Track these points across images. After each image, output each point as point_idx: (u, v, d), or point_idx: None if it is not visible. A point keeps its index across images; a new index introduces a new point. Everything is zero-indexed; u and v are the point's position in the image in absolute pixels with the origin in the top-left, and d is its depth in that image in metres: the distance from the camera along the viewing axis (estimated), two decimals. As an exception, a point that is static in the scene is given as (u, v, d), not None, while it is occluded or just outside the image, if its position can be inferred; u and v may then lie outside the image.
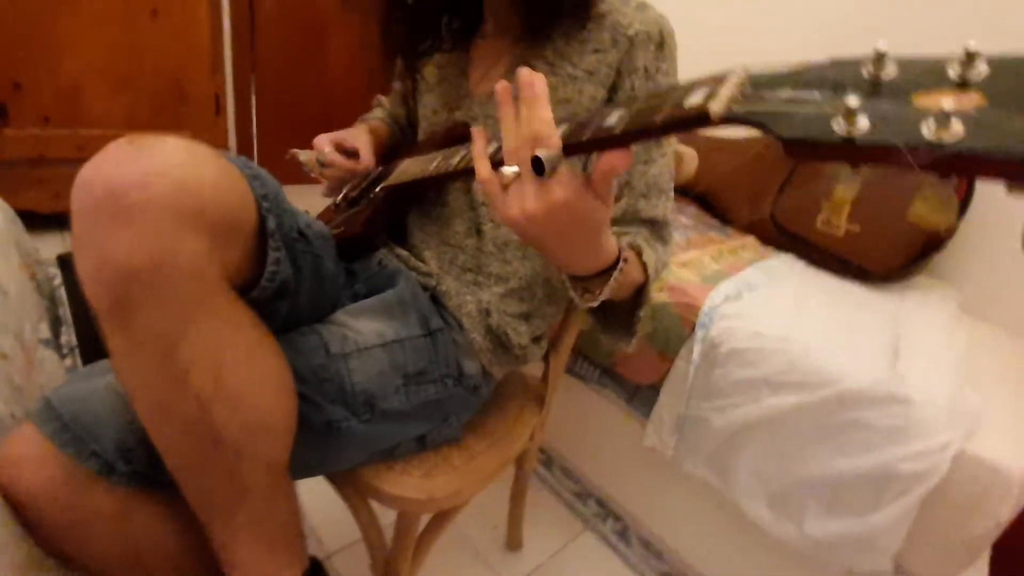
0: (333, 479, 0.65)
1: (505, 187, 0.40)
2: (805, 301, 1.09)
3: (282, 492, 0.52)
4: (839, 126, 0.25)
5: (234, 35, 2.38)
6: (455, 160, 0.55)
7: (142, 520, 0.50)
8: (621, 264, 0.48)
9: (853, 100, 0.25)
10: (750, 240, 1.47)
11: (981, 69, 0.24)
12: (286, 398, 0.48)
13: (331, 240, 0.65)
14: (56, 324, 0.98)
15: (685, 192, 1.72)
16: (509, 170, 0.40)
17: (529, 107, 0.38)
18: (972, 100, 0.23)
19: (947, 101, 0.24)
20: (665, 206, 0.68)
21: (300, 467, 0.54)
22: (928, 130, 0.23)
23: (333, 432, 0.55)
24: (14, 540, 0.44)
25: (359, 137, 0.78)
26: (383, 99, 0.94)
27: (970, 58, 0.24)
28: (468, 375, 0.65)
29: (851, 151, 0.25)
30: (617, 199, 0.65)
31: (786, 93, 0.28)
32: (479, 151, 0.43)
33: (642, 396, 1.08)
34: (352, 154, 0.77)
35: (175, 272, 0.38)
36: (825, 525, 0.81)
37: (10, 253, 0.80)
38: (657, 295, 1.04)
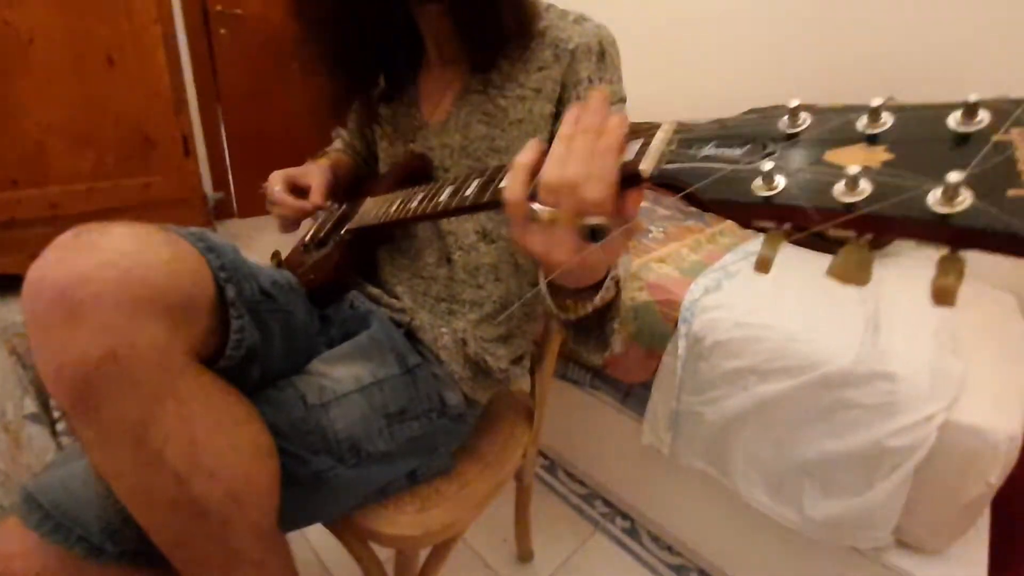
0: (328, 524, 0.65)
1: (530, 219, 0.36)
2: (785, 282, 1.09)
3: (274, 551, 0.52)
4: (758, 187, 0.26)
5: (196, 71, 2.37)
6: (414, 204, 0.55)
7: (137, 595, 0.50)
8: (608, 282, 0.47)
9: (768, 163, 0.26)
10: (729, 224, 1.48)
11: (886, 121, 0.25)
12: (265, 461, 0.49)
13: (301, 289, 0.65)
14: (43, 394, 0.98)
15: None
16: (544, 210, 0.35)
17: (600, 156, 0.33)
18: (879, 156, 0.24)
19: (857, 158, 0.24)
20: None
21: (292, 520, 0.55)
22: (839, 191, 0.24)
23: (321, 482, 0.56)
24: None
25: (313, 175, 0.76)
26: (342, 131, 0.94)
27: (875, 113, 0.25)
28: (451, 406, 0.66)
29: (770, 211, 0.26)
30: None
31: (709, 150, 0.29)
32: (519, 165, 0.37)
33: (635, 395, 1.09)
34: (305, 192, 0.76)
35: (135, 361, 0.38)
36: (823, 506, 0.82)
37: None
38: (638, 294, 1.04)
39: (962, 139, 0.23)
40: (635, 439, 1.08)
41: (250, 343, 0.49)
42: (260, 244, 2.42)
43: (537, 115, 0.65)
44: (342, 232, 0.70)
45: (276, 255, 0.88)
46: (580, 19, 0.66)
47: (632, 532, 1.15)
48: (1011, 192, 0.21)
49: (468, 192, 0.46)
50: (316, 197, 0.74)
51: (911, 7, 1.33)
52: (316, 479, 0.55)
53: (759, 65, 1.65)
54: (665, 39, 1.84)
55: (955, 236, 0.21)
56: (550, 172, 0.34)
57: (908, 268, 1.21)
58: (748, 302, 0.99)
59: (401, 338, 0.65)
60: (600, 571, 1.06)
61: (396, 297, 0.71)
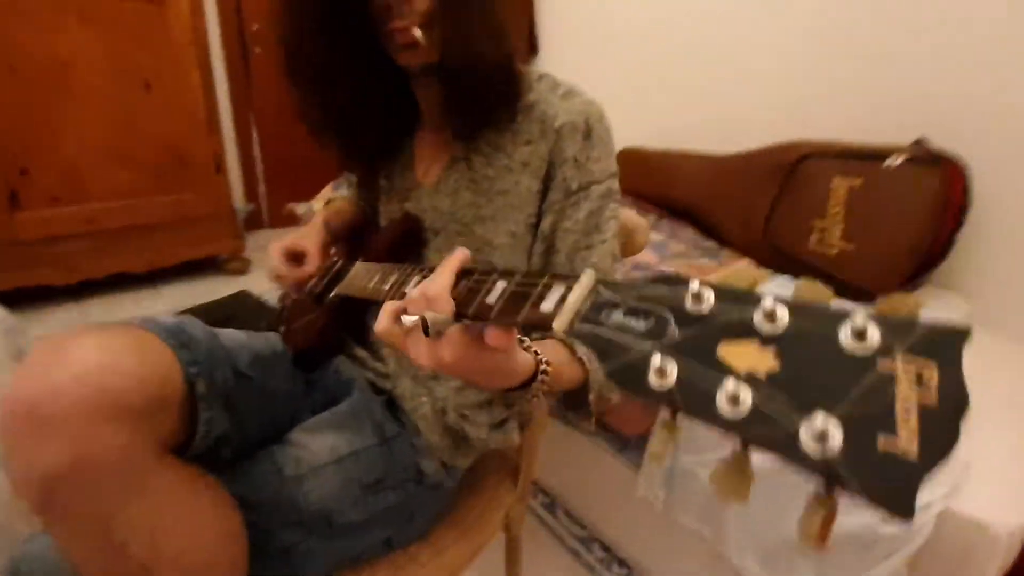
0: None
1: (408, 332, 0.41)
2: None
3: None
4: (652, 380, 0.25)
5: (231, 87, 2.46)
6: (386, 287, 0.56)
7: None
8: (537, 382, 0.47)
9: (659, 358, 0.25)
10: (744, 264, 1.44)
11: (781, 320, 0.24)
12: (228, 547, 0.51)
13: (286, 357, 0.67)
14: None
15: (679, 213, 1.69)
16: (408, 319, 0.40)
17: (437, 270, 0.40)
18: (767, 362, 0.23)
19: (746, 359, 0.24)
20: None
21: (262, 587, 0.56)
22: (721, 403, 0.23)
23: (291, 554, 0.58)
24: None
25: (310, 239, 0.78)
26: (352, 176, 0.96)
27: (770, 312, 0.24)
28: (428, 474, 0.67)
29: (659, 403, 0.25)
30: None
31: (617, 317, 0.29)
32: (387, 307, 0.43)
33: (633, 446, 1.08)
34: (303, 257, 0.78)
35: (97, 468, 0.40)
36: (815, 586, 0.79)
37: (4, 368, 0.85)
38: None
39: (850, 360, 0.22)
40: (633, 487, 1.07)
41: (219, 432, 0.51)
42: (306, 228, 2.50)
43: (524, 190, 0.65)
44: (330, 296, 0.71)
45: (285, 298, 0.90)
46: (569, 94, 0.65)
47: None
48: (881, 441, 0.20)
49: None
50: (311, 265, 0.75)
51: (942, 46, 1.28)
52: (284, 553, 0.57)
53: (783, 98, 1.61)
54: (691, 69, 1.82)
55: (826, 479, 0.21)
56: (408, 296, 0.40)
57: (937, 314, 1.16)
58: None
59: (380, 408, 0.66)
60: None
61: (381, 360, 0.72)
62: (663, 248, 1.50)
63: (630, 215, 0.79)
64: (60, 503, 0.40)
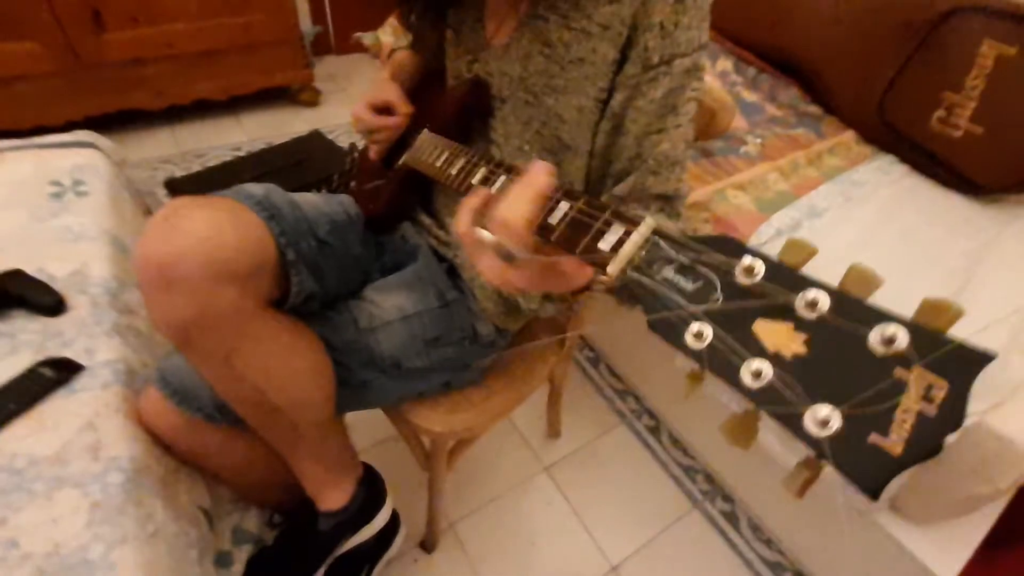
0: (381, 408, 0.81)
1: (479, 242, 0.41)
2: (879, 229, 1.00)
3: (331, 433, 0.68)
4: (689, 337, 0.27)
5: None
6: (453, 172, 0.57)
7: (242, 446, 0.69)
8: (593, 287, 0.50)
9: (703, 326, 0.27)
10: (847, 137, 1.30)
11: (821, 309, 0.24)
12: (320, 380, 0.62)
13: (360, 220, 0.72)
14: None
15: (786, 67, 1.48)
16: (484, 234, 0.39)
17: (515, 189, 0.38)
18: (795, 346, 0.24)
19: (778, 339, 0.25)
20: (679, 178, 0.64)
21: (345, 408, 0.70)
22: (745, 373, 0.25)
23: (367, 387, 0.69)
24: (156, 458, 0.65)
25: (388, 90, 0.77)
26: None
27: (812, 303, 0.24)
28: (482, 335, 0.74)
29: (690, 358, 0.27)
30: (626, 174, 0.63)
31: (668, 273, 0.30)
32: (466, 206, 0.42)
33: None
34: (387, 110, 0.78)
35: (215, 316, 0.49)
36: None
37: (122, 203, 0.96)
38: (702, 226, 1.01)
39: (871, 361, 0.23)
40: (671, 356, 1.14)
41: (308, 291, 0.58)
42: (356, 88, 2.45)
43: (600, 58, 0.60)
44: (397, 164, 0.73)
45: (352, 148, 0.93)
46: None
47: (655, 431, 1.28)
48: (872, 438, 0.22)
49: (494, 189, 0.48)
50: (403, 108, 0.74)
51: None
52: (363, 385, 0.68)
53: None
54: None
55: (819, 454, 0.23)
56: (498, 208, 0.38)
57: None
58: (822, 253, 0.92)
59: (442, 274, 0.72)
60: (617, 458, 1.22)
61: (444, 227, 0.76)
62: (758, 111, 1.36)
63: (715, 90, 0.71)
64: (191, 341, 0.51)
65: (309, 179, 1.37)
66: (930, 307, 0.23)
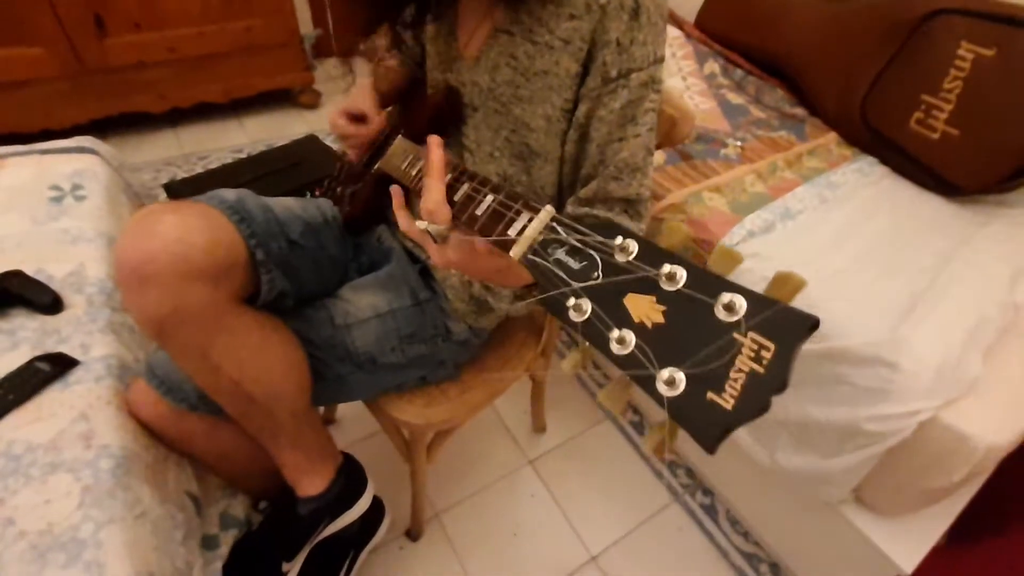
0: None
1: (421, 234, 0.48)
2: (852, 231, 1.02)
3: (308, 423, 0.72)
4: (571, 310, 0.31)
5: None
6: (413, 173, 0.61)
7: (225, 434, 0.73)
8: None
9: (575, 299, 0.30)
10: (829, 139, 1.32)
11: (679, 281, 0.28)
12: (294, 373, 0.65)
13: (337, 223, 0.75)
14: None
15: (774, 70, 1.50)
16: (421, 225, 0.47)
17: (425, 180, 0.44)
18: (655, 315, 0.28)
19: (642, 309, 0.29)
20: (640, 183, 0.68)
21: (323, 400, 0.74)
22: (613, 341, 0.28)
23: (344, 381, 0.73)
24: (144, 447, 0.69)
25: (363, 98, 0.81)
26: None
27: (671, 276, 0.28)
28: (455, 333, 0.78)
29: (574, 330, 0.31)
30: (591, 179, 0.67)
31: (560, 254, 0.33)
32: (395, 205, 0.50)
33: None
34: (362, 118, 0.82)
35: (190, 312, 0.53)
36: (792, 458, 0.89)
37: (120, 206, 1.01)
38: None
39: (716, 327, 0.26)
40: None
41: (279, 289, 0.62)
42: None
43: (563, 71, 0.63)
44: (373, 169, 0.76)
45: (343, 153, 0.97)
46: None
47: (638, 425, 1.31)
48: (709, 394, 0.25)
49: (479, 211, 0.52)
50: (375, 118, 0.79)
51: None
52: (340, 379, 0.72)
53: None
54: None
55: (669, 412, 0.26)
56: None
57: (1011, 229, 1.06)
58: (789, 253, 0.95)
59: (415, 274, 0.75)
60: (601, 453, 1.25)
61: (419, 231, 0.80)
62: (743, 113, 1.38)
63: (677, 100, 0.74)
64: (168, 335, 0.55)
65: (304, 181, 1.42)
66: (778, 279, 0.26)
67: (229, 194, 0.61)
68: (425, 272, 0.77)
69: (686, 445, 1.24)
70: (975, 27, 1.12)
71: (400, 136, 0.75)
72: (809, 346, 0.85)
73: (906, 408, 0.75)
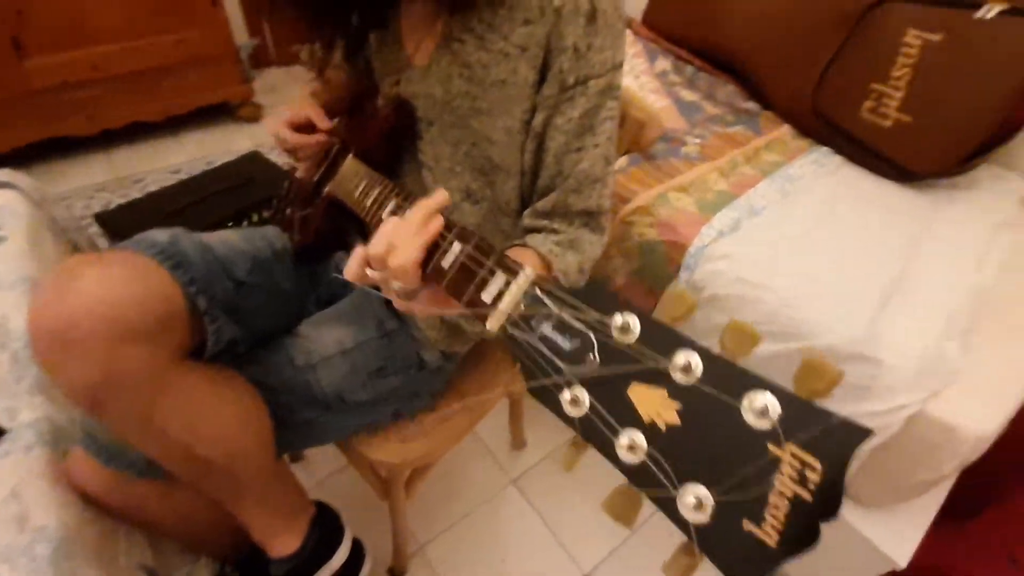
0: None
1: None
2: (818, 222, 1.02)
3: (274, 478, 0.65)
4: (567, 404, 0.27)
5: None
6: (368, 202, 0.56)
7: (181, 497, 0.66)
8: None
9: (576, 390, 0.26)
10: (784, 132, 1.32)
11: (695, 374, 0.24)
12: (253, 427, 0.59)
13: (288, 253, 0.69)
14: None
15: (724, 65, 1.50)
16: (372, 273, 0.42)
17: (407, 240, 0.39)
18: (669, 415, 0.24)
19: (652, 406, 0.24)
20: (600, 195, 0.64)
21: (288, 448, 0.67)
22: (620, 447, 0.24)
23: (311, 426, 0.67)
24: (88, 522, 0.61)
25: (306, 107, 0.74)
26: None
27: (686, 367, 0.24)
28: (428, 362, 0.73)
29: (570, 426, 0.27)
30: (548, 190, 0.63)
31: (546, 329, 0.29)
32: (357, 255, 0.43)
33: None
34: (308, 127, 0.75)
35: (125, 377, 0.46)
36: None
37: (44, 245, 0.91)
38: (647, 230, 1.01)
39: (743, 434, 0.22)
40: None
41: (229, 336, 0.56)
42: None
43: (521, 80, 0.59)
44: (323, 192, 0.70)
45: (292, 170, 0.90)
46: None
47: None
48: (746, 523, 0.21)
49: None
50: (323, 124, 0.73)
51: None
52: (306, 424, 0.66)
53: None
54: None
55: (694, 540, 0.23)
56: (372, 245, 0.41)
57: (979, 206, 1.09)
58: (760, 252, 0.94)
59: (380, 303, 0.70)
60: (583, 463, 1.22)
61: (382, 255, 0.74)
62: (696, 110, 1.38)
63: (641, 102, 0.71)
64: (103, 406, 0.47)
65: (250, 201, 1.33)
66: (810, 368, 0.22)
67: (160, 236, 0.54)
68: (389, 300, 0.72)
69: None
70: (921, 13, 1.14)
71: (352, 156, 0.70)
72: (791, 344, 0.84)
73: (891, 404, 0.75)
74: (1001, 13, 1.06)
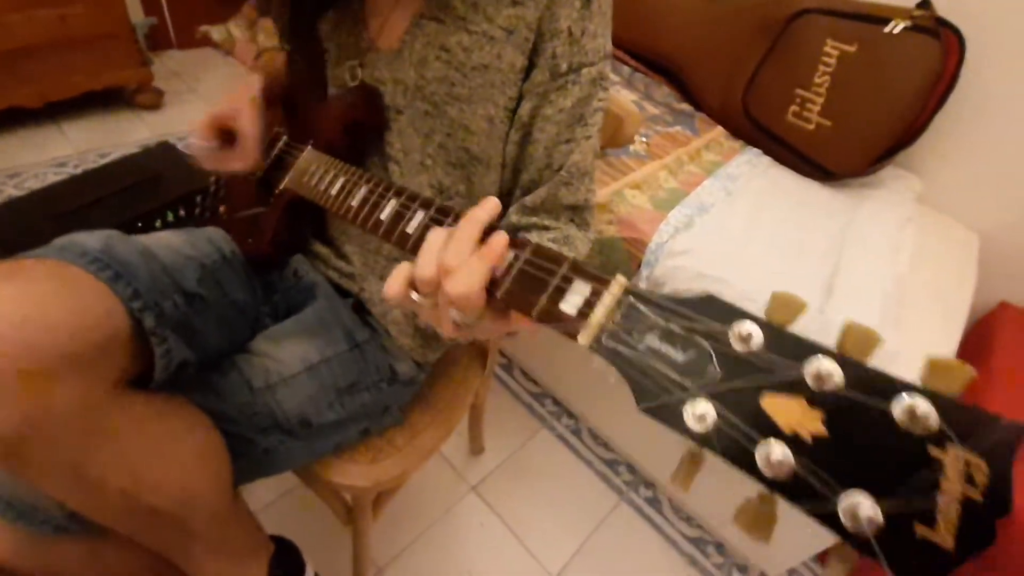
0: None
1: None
2: (758, 219, 1.07)
3: (230, 520, 0.57)
4: (689, 418, 0.24)
5: None
6: (333, 192, 0.50)
7: (113, 552, 0.55)
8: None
9: (701, 402, 0.24)
10: (718, 133, 1.38)
11: (834, 379, 0.22)
12: (209, 465, 0.51)
13: (237, 258, 0.60)
14: None
15: (660, 69, 1.55)
16: (420, 298, 0.36)
17: (472, 266, 0.32)
18: (813, 424, 0.22)
19: (792, 417, 0.23)
20: (588, 188, 0.62)
21: (246, 480, 0.59)
22: (761, 460, 0.22)
23: (273, 455, 0.59)
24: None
25: (242, 117, 0.63)
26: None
27: (821, 375, 0.22)
28: (401, 373, 0.67)
29: (696, 443, 0.25)
30: (535, 185, 0.60)
31: (652, 341, 0.26)
32: (400, 274, 0.37)
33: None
34: (232, 136, 0.64)
35: (52, 421, 0.37)
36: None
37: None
38: (607, 227, 1.01)
39: (900, 439, 0.21)
40: (587, 356, 1.14)
41: (180, 359, 0.47)
42: (207, 86, 2.17)
43: (507, 66, 0.55)
44: (278, 189, 0.62)
45: (218, 179, 0.80)
46: None
47: (576, 431, 1.29)
48: (919, 528, 0.20)
49: (410, 229, 0.42)
50: (242, 158, 0.62)
51: None
52: (267, 453, 0.58)
53: None
54: None
55: (865, 552, 0.21)
56: (419, 266, 0.34)
57: (886, 202, 1.20)
58: (715, 247, 0.97)
59: (348, 312, 0.63)
60: (542, 464, 1.21)
61: (344, 257, 0.67)
62: (639, 109, 1.40)
63: (619, 99, 0.70)
64: (21, 457, 0.38)
65: (164, 200, 1.17)
66: (939, 367, 0.21)
67: (90, 240, 0.44)
68: (359, 307, 0.65)
69: (624, 441, 1.24)
70: (838, 25, 1.23)
71: (310, 148, 0.63)
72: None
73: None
74: (905, 29, 1.17)
